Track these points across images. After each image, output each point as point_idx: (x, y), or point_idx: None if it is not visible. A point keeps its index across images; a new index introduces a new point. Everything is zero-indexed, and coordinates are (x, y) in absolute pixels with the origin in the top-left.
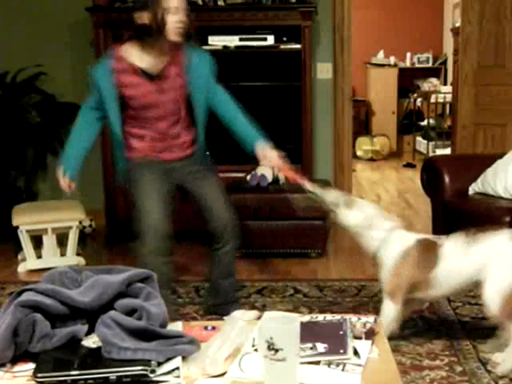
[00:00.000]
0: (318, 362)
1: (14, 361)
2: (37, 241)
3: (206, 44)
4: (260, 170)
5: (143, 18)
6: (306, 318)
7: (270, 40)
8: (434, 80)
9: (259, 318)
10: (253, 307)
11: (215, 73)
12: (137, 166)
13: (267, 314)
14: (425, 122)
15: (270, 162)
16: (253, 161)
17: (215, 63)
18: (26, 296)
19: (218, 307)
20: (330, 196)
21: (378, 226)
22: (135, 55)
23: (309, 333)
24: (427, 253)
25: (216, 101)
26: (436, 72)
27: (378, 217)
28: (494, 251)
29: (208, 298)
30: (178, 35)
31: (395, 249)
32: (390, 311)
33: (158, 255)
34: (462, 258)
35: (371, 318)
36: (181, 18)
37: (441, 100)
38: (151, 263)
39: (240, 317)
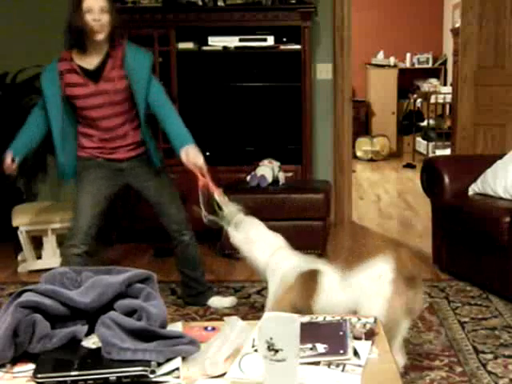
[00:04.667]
0: (317, 363)
1: (14, 361)
2: (37, 241)
3: (206, 44)
4: (260, 171)
5: (72, 21)
6: (306, 318)
7: (270, 40)
8: (433, 80)
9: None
10: (252, 307)
11: (152, 70)
12: (85, 166)
13: (267, 315)
14: (425, 123)
15: (191, 165)
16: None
17: (152, 60)
18: (25, 297)
19: (194, 298)
20: (228, 211)
21: (261, 247)
22: (77, 56)
23: (309, 333)
24: (308, 281)
25: (151, 99)
26: (436, 72)
27: (260, 238)
28: (364, 288)
29: (184, 292)
30: (97, 34)
31: (277, 275)
32: None
33: (78, 253)
34: (339, 292)
35: (371, 319)
36: (94, 17)
37: (441, 100)
38: (68, 257)
39: (217, 303)
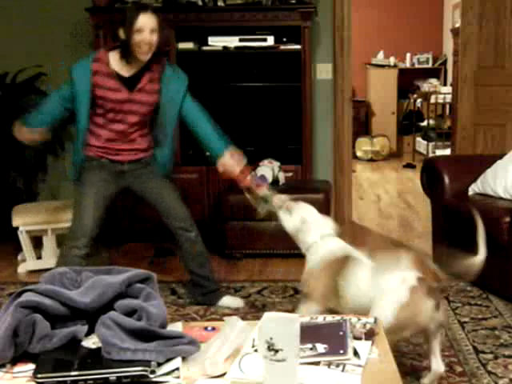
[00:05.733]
0: (317, 363)
1: (14, 361)
2: (37, 241)
3: (206, 44)
4: (260, 171)
5: (120, 33)
6: (306, 318)
7: (270, 40)
8: (433, 80)
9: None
10: (253, 307)
11: (187, 88)
12: (89, 166)
13: (267, 315)
14: (425, 123)
15: (229, 173)
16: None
17: (188, 80)
18: (25, 297)
19: (206, 296)
20: (276, 199)
21: (312, 231)
22: (115, 61)
23: (309, 333)
24: (343, 266)
25: (184, 113)
26: (436, 72)
27: (313, 222)
28: (384, 287)
29: (194, 292)
30: (143, 54)
31: (319, 256)
32: (305, 309)
33: (80, 255)
34: (366, 283)
35: (371, 319)
36: (144, 38)
37: (441, 100)
38: (69, 258)
39: (229, 302)
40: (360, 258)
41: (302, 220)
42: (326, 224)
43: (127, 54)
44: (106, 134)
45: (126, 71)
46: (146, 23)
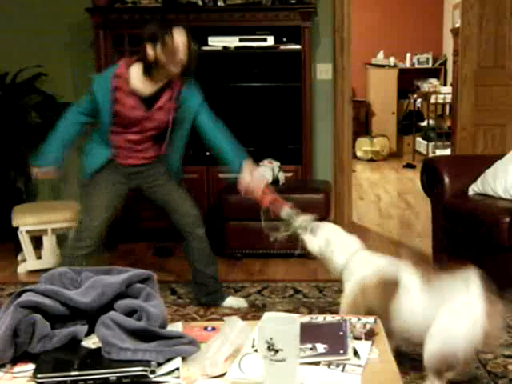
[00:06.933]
0: (317, 363)
1: (14, 361)
2: (37, 241)
3: (206, 45)
4: (260, 171)
5: (148, 49)
6: (306, 318)
7: (270, 41)
8: (433, 81)
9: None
10: (253, 307)
11: (202, 103)
12: (102, 167)
13: (267, 315)
14: (425, 123)
15: (252, 193)
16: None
17: (204, 96)
18: (25, 297)
19: (211, 296)
20: (299, 221)
21: (340, 250)
22: (136, 77)
23: (309, 333)
24: (388, 283)
25: (203, 126)
26: (436, 73)
27: (339, 240)
28: (447, 307)
29: (198, 293)
30: (176, 70)
31: (354, 276)
32: None
33: (87, 254)
34: (419, 301)
35: (371, 319)
36: (179, 55)
37: (440, 101)
38: (74, 257)
39: (232, 303)
40: (407, 276)
41: (327, 241)
42: (352, 241)
43: (153, 71)
44: (119, 141)
45: (146, 89)
46: (181, 40)
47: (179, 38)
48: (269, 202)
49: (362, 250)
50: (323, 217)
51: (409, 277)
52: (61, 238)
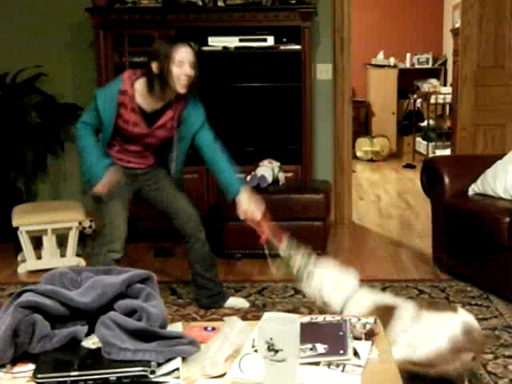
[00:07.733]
0: (317, 363)
1: (14, 362)
2: (37, 242)
3: (206, 45)
4: (260, 171)
5: (153, 66)
6: (306, 318)
7: (270, 41)
8: (433, 81)
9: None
10: (253, 306)
11: (204, 120)
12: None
13: (267, 315)
14: (425, 123)
15: (249, 217)
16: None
17: (205, 112)
18: (25, 297)
19: (212, 299)
20: (297, 262)
21: (336, 296)
22: (141, 94)
23: (309, 333)
24: (385, 318)
25: (203, 147)
26: (436, 73)
27: (334, 285)
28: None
29: (199, 295)
30: (182, 87)
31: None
32: None
33: (118, 258)
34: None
35: (371, 319)
36: (186, 71)
37: (440, 101)
38: (103, 258)
39: (233, 303)
40: (398, 303)
41: (321, 289)
42: (349, 281)
43: (157, 89)
44: (120, 151)
45: (149, 106)
46: (187, 56)
47: (185, 53)
48: (268, 236)
49: (359, 290)
50: (323, 217)
51: (403, 305)
52: (61, 238)
